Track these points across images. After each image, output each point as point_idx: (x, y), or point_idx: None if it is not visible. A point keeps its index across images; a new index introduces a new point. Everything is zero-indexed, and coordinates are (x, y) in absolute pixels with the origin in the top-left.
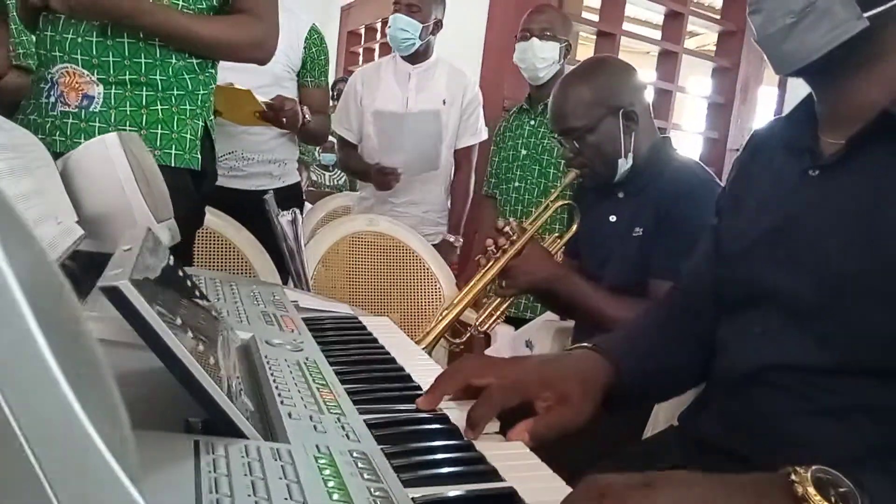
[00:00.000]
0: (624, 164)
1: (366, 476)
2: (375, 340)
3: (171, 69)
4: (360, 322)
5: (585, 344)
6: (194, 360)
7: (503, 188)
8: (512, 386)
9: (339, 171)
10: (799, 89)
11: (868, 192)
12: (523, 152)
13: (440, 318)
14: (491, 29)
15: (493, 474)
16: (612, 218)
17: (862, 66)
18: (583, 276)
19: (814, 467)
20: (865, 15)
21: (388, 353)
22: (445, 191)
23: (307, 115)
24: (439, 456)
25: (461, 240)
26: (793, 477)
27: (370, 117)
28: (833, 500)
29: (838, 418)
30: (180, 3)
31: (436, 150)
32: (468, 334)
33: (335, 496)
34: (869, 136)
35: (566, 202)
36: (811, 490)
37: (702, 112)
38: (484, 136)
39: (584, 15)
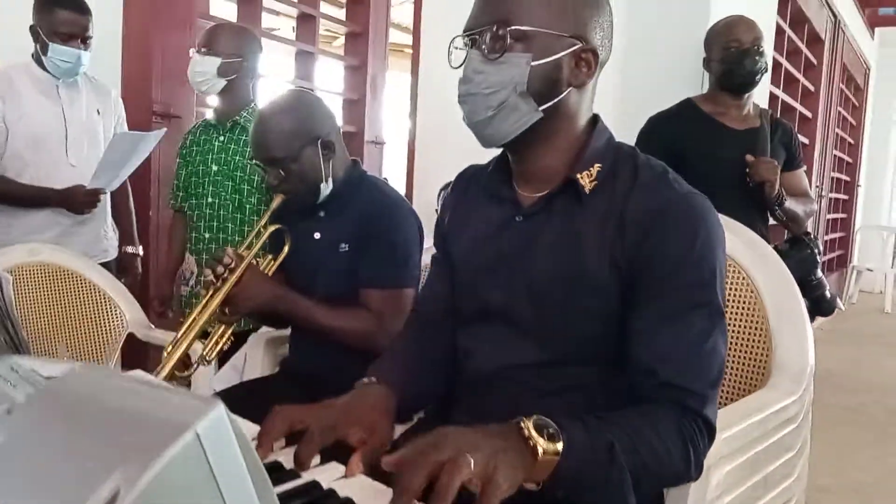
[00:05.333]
0: (325, 189)
1: None
2: None
3: None
4: None
5: (369, 379)
6: None
7: (194, 203)
8: (329, 427)
9: None
10: (431, 78)
11: (560, 233)
12: (214, 168)
13: (168, 355)
14: (129, 26)
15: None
16: (317, 235)
17: (543, 141)
18: (299, 292)
19: (534, 416)
20: (540, 108)
21: None
22: (106, 203)
23: None
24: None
25: (140, 249)
26: (521, 423)
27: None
28: (545, 436)
29: (559, 397)
30: None
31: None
32: (195, 366)
33: None
34: (558, 193)
35: (277, 226)
36: (533, 431)
37: (337, 106)
38: None
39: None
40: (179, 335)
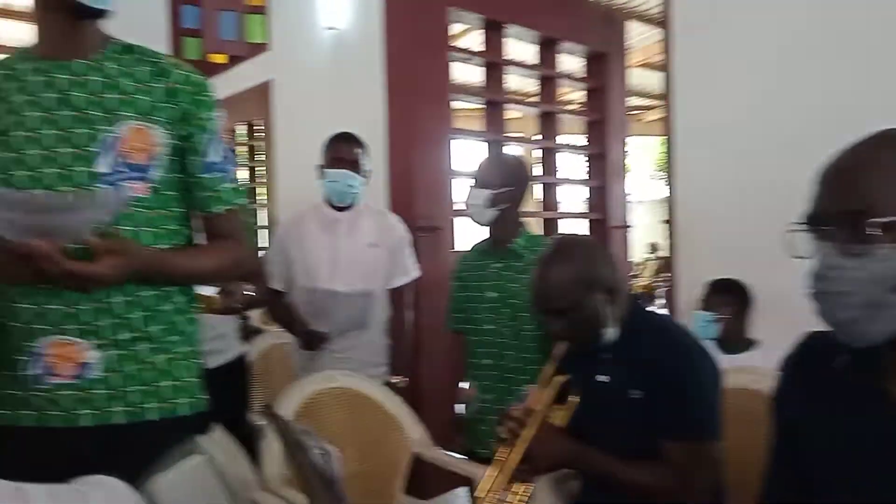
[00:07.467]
0: (610, 334)
1: None
2: None
3: (164, 317)
4: None
5: None
6: None
7: (473, 329)
8: None
9: None
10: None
11: None
12: (492, 294)
13: None
14: (394, 147)
15: None
16: (602, 378)
17: None
18: (587, 440)
19: None
20: None
21: None
22: (381, 330)
23: None
24: None
25: (406, 380)
26: None
27: (302, 280)
28: None
29: None
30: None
31: (364, 317)
32: None
33: None
34: None
35: (565, 377)
36: None
37: (581, 194)
38: (415, 273)
39: None
40: (483, 497)
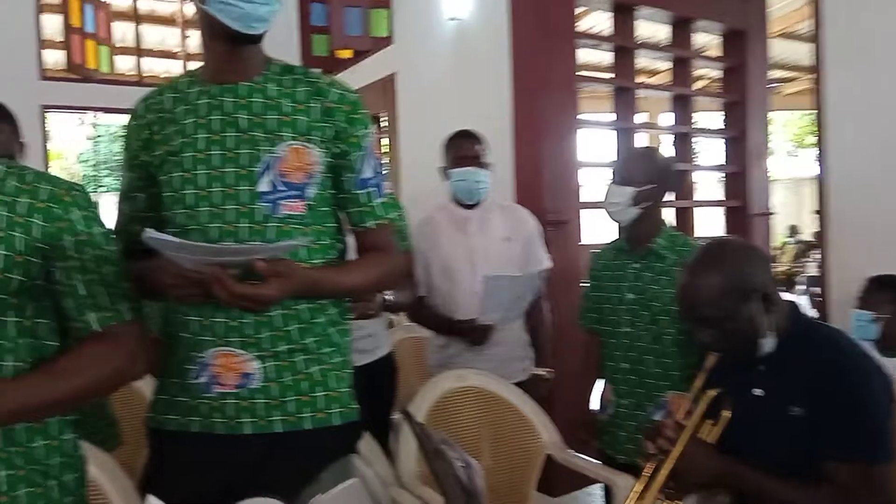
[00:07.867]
0: (767, 344)
1: None
2: None
3: (318, 328)
4: None
5: None
6: None
7: (609, 331)
8: None
9: None
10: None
11: None
12: (630, 296)
13: None
14: (520, 138)
15: None
16: (758, 392)
17: None
18: (737, 455)
19: None
20: None
21: None
22: (521, 324)
23: None
24: None
25: (553, 371)
26: None
27: (442, 283)
28: None
29: None
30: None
31: (524, 303)
32: None
33: None
34: None
35: (716, 391)
36: None
37: (711, 181)
38: (547, 264)
39: None
40: None
